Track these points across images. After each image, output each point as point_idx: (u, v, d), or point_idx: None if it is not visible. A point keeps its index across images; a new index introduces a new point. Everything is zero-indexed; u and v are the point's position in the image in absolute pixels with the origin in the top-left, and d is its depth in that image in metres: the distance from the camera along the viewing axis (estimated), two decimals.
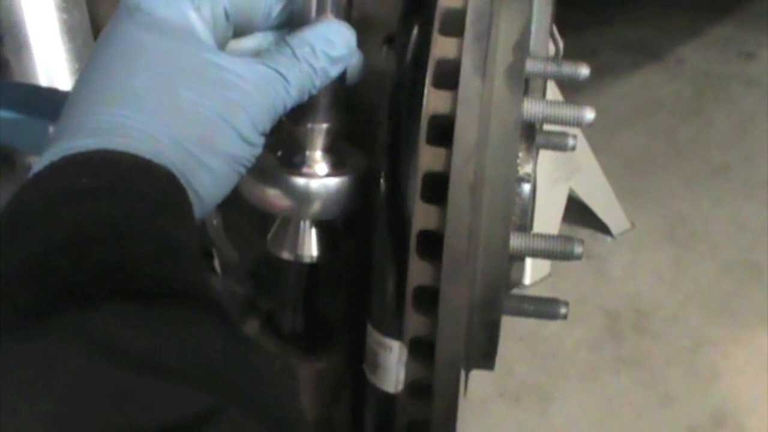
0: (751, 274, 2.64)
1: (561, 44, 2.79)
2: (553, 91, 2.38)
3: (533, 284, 2.52)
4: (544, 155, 2.43)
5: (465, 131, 0.69)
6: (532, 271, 2.54)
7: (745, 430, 2.18)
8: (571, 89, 2.57)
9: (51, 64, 1.08)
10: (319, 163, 0.77)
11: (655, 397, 2.26)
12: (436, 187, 0.70)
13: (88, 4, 1.11)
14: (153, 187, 0.62)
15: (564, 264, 2.54)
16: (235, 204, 0.79)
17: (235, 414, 0.50)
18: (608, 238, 2.76)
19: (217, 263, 0.99)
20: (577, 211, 2.71)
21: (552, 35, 2.66)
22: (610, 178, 2.73)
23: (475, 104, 0.70)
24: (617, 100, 3.38)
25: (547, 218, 2.50)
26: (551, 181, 2.50)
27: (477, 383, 2.12)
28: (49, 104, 0.95)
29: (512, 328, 2.32)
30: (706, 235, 2.79)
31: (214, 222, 0.96)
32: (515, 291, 0.91)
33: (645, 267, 2.67)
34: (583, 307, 2.50)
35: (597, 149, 2.69)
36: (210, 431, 0.48)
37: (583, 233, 2.75)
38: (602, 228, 2.76)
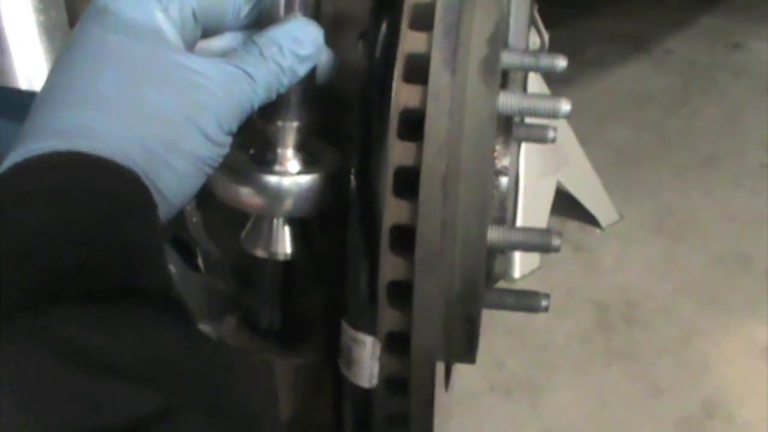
0: (740, 264, 2.65)
1: (546, 37, 2.78)
2: (539, 85, 2.38)
3: (523, 277, 2.52)
4: (532, 148, 2.44)
5: (435, 125, 0.69)
6: (522, 264, 2.54)
7: (737, 420, 2.19)
8: (559, 82, 2.57)
9: (30, 65, 1.08)
10: (290, 160, 0.77)
11: (646, 389, 2.26)
12: (408, 182, 0.70)
13: (66, 4, 1.11)
14: (116, 188, 0.62)
15: (553, 257, 2.55)
16: (214, 201, 0.79)
17: (190, 413, 0.51)
18: (597, 230, 2.77)
19: (200, 260, 0.99)
20: (565, 204, 2.71)
21: (537, 28, 2.66)
22: (598, 170, 2.73)
23: (445, 98, 0.70)
24: (605, 93, 3.39)
25: (536, 211, 2.50)
26: (539, 174, 2.50)
27: (467, 377, 2.14)
28: (24, 107, 0.95)
29: (502, 322, 2.33)
30: (695, 226, 2.79)
31: (194, 220, 0.96)
32: (502, 284, 0.92)
33: (634, 258, 2.68)
34: (572, 300, 2.50)
35: (585, 141, 2.70)
36: (163, 430, 0.49)
37: (572, 226, 2.76)
38: (591, 220, 2.77)
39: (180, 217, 0.90)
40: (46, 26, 1.08)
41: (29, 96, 1.03)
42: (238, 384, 0.57)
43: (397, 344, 0.74)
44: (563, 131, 2.53)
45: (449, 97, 0.70)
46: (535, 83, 2.30)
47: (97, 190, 0.61)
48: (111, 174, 0.62)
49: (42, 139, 0.63)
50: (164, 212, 0.67)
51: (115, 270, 0.58)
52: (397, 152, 0.70)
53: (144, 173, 0.64)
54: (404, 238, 0.71)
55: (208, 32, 0.74)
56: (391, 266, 0.71)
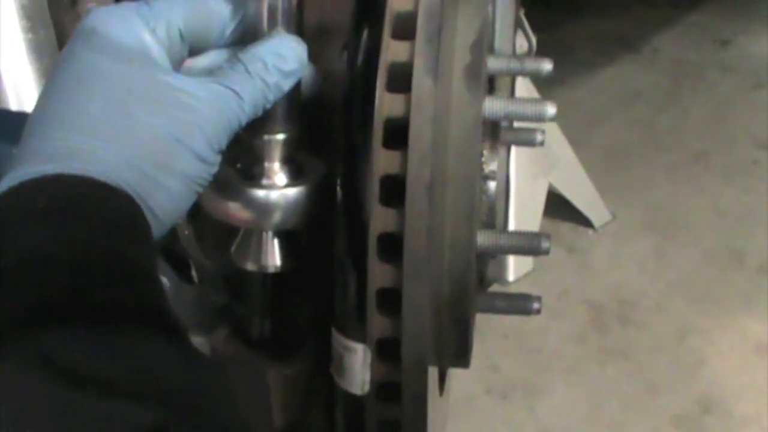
0: (733, 260, 2.66)
1: (534, 40, 2.79)
2: (528, 88, 2.39)
3: (517, 280, 2.53)
4: (522, 152, 2.45)
5: (419, 133, 0.70)
6: (515, 267, 2.55)
7: (733, 415, 2.19)
8: (548, 84, 2.58)
9: (19, 84, 1.08)
10: (277, 173, 0.78)
11: (641, 387, 2.27)
12: (394, 190, 0.71)
13: (54, 22, 1.11)
14: (109, 210, 0.63)
15: (547, 259, 2.55)
16: (205, 214, 0.80)
17: (185, 429, 0.51)
18: (590, 231, 2.78)
19: (194, 272, 0.99)
20: (557, 206, 2.72)
21: (524, 32, 2.66)
22: (589, 171, 2.74)
23: (429, 105, 0.71)
24: (594, 93, 3.40)
25: (528, 214, 2.51)
26: (530, 177, 2.51)
27: (463, 381, 2.14)
28: (18, 128, 0.96)
29: (496, 326, 2.33)
30: (687, 224, 2.80)
31: (186, 232, 0.97)
32: (496, 288, 0.92)
33: (627, 258, 2.68)
34: (566, 301, 2.51)
35: (575, 143, 2.71)
36: None
37: (565, 227, 2.77)
38: (584, 221, 2.77)
39: (172, 229, 0.90)
40: (34, 45, 1.09)
41: (20, 117, 1.04)
42: (230, 399, 0.58)
43: (388, 351, 0.74)
44: (553, 133, 2.54)
45: (433, 105, 0.71)
46: (524, 87, 2.31)
47: (91, 211, 0.62)
48: (104, 195, 0.64)
49: (35, 163, 0.64)
50: (157, 231, 0.68)
51: (109, 289, 0.59)
52: (383, 161, 0.71)
53: (136, 194, 0.65)
54: (392, 246, 0.71)
55: (193, 50, 0.75)
56: (379, 274, 0.72)
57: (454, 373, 1.02)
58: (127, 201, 0.65)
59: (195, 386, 0.56)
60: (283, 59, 0.73)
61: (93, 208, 0.63)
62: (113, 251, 0.61)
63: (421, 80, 0.71)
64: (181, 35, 0.72)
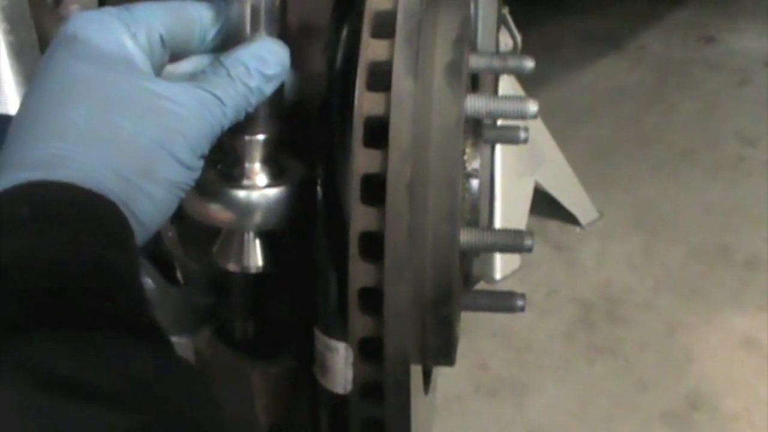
0: (720, 257, 2.66)
1: (519, 38, 2.79)
2: (513, 86, 2.39)
3: (504, 278, 2.53)
4: (508, 150, 2.45)
5: (399, 131, 0.70)
6: (502, 265, 2.54)
7: (721, 411, 2.20)
8: (534, 82, 2.58)
9: (0, 86, 1.08)
10: (258, 174, 0.78)
11: (630, 384, 2.27)
12: (375, 189, 0.71)
13: (36, 24, 1.11)
14: (93, 217, 0.64)
15: (534, 257, 2.56)
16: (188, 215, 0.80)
17: None
18: (577, 229, 2.78)
19: (179, 274, 0.99)
20: (545, 204, 2.72)
21: (509, 29, 2.67)
22: (576, 168, 2.74)
23: (409, 104, 0.71)
24: (581, 91, 3.40)
25: (514, 212, 2.51)
26: (517, 175, 2.51)
27: (452, 380, 2.14)
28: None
29: (485, 324, 2.33)
30: (674, 220, 2.80)
31: (170, 234, 0.97)
32: (483, 286, 0.92)
33: (615, 255, 2.69)
34: (555, 299, 2.51)
35: (562, 141, 2.71)
36: None
37: (552, 225, 2.77)
38: (571, 219, 2.78)
39: (156, 231, 0.90)
40: (15, 47, 1.08)
41: (2, 120, 1.03)
42: (212, 405, 0.58)
43: (371, 350, 0.74)
44: (539, 131, 2.54)
45: (413, 103, 0.71)
46: (509, 85, 2.31)
47: (74, 218, 0.62)
48: (87, 202, 0.64)
49: (18, 171, 0.64)
50: (141, 237, 0.68)
51: (91, 297, 0.59)
52: (363, 160, 0.71)
53: (120, 200, 0.65)
54: (373, 245, 0.71)
55: (175, 55, 0.75)
56: (361, 273, 0.72)
57: (443, 372, 1.02)
58: (110, 208, 0.65)
59: (176, 392, 0.56)
60: (265, 63, 0.73)
61: (76, 215, 0.63)
62: (96, 258, 0.61)
63: (400, 78, 0.71)
64: (162, 41, 0.72)
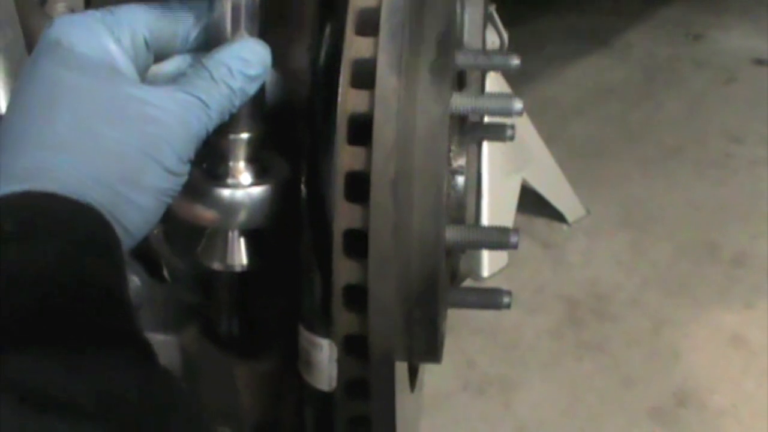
0: (707, 254, 2.67)
1: (505, 36, 2.78)
2: (500, 83, 2.39)
3: (491, 276, 2.53)
4: (495, 147, 2.45)
5: (383, 128, 0.70)
6: (490, 262, 2.54)
7: (708, 407, 2.20)
8: (521, 79, 2.59)
9: None
10: (242, 173, 0.78)
11: (617, 380, 2.27)
12: (359, 186, 0.71)
13: (22, 23, 1.10)
14: (78, 227, 0.63)
15: (521, 254, 2.56)
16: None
17: None
18: (564, 226, 2.78)
19: (165, 272, 0.99)
20: (532, 202, 2.72)
21: (495, 27, 2.66)
22: (563, 166, 2.74)
23: (392, 102, 0.70)
24: (568, 89, 3.41)
25: (502, 210, 2.51)
26: (504, 173, 2.51)
27: (439, 378, 2.14)
28: None
29: (472, 322, 2.33)
30: (661, 218, 2.81)
31: (156, 232, 0.97)
32: (470, 283, 0.92)
33: (602, 252, 2.69)
34: (542, 296, 2.51)
35: (549, 138, 2.71)
36: None
37: (540, 223, 2.77)
38: (558, 216, 2.78)
39: None
40: (1, 46, 1.08)
41: None
42: (197, 420, 0.58)
43: (355, 347, 0.74)
44: (526, 129, 2.54)
45: (397, 100, 0.71)
46: (496, 83, 2.31)
47: (59, 230, 0.62)
48: (72, 212, 0.63)
49: (4, 184, 0.63)
50: (127, 245, 0.68)
51: (75, 311, 0.59)
52: (347, 157, 0.71)
53: (105, 210, 0.65)
54: (358, 242, 0.71)
55: (158, 56, 0.75)
56: (345, 270, 0.72)
57: (430, 369, 1.02)
58: (96, 217, 0.65)
59: (160, 407, 0.56)
60: (247, 63, 0.73)
61: (61, 226, 0.63)
62: (81, 272, 0.61)
63: (384, 76, 0.71)
64: (146, 43, 0.72)
